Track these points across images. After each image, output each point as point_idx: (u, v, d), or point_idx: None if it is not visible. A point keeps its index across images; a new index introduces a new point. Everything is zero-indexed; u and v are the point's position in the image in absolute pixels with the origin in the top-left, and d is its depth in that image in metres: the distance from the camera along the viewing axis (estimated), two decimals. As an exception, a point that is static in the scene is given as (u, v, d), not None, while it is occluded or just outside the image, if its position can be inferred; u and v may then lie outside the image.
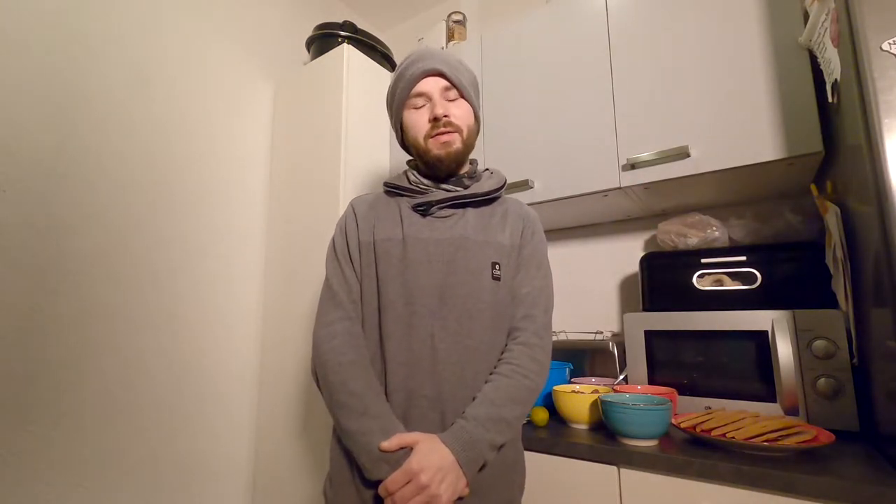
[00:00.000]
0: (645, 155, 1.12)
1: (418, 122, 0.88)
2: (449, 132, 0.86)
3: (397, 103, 0.92)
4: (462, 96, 0.89)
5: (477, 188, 0.89)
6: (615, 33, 1.23)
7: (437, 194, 0.88)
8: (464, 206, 0.89)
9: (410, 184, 0.91)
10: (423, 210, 0.87)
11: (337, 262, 0.90)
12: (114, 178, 1.29)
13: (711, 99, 1.07)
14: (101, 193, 1.26)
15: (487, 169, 0.97)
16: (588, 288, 1.53)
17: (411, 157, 0.96)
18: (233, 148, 1.61)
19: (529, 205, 1.33)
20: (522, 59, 1.39)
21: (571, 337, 1.42)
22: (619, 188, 1.18)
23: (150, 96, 1.39)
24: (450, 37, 1.74)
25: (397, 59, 1.92)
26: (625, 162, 1.16)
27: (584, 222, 1.54)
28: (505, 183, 0.93)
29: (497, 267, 0.85)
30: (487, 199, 0.91)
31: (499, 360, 0.82)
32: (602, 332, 1.35)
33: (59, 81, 1.20)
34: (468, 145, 0.90)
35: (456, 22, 1.74)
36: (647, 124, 1.15)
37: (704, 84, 1.09)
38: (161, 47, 1.43)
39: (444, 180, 0.90)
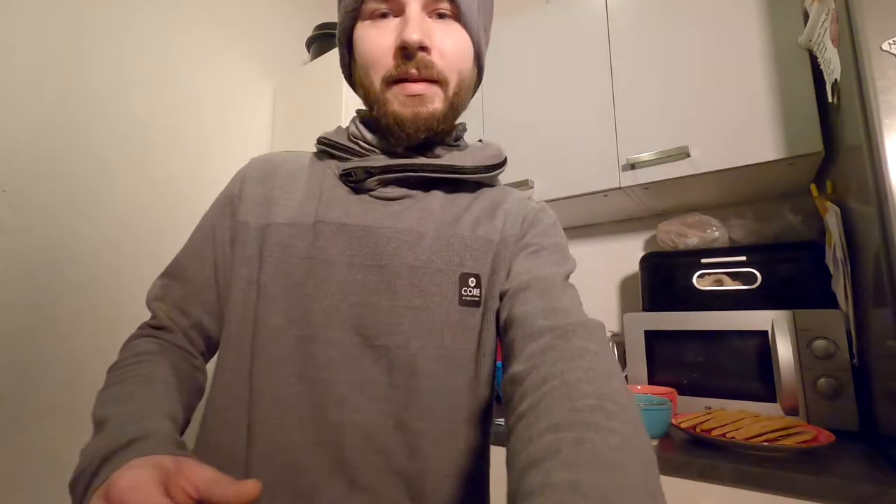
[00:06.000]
0: (645, 155, 1.12)
1: (376, 46, 0.51)
2: (424, 80, 0.50)
3: (346, 7, 0.54)
4: (459, 17, 0.52)
5: (450, 159, 0.55)
6: (615, 33, 1.23)
7: (381, 159, 0.54)
8: (427, 185, 0.55)
9: (350, 139, 0.57)
10: (355, 181, 0.53)
11: (192, 244, 0.58)
12: (114, 178, 1.29)
13: (711, 99, 1.07)
14: (101, 194, 1.26)
15: (480, 140, 0.62)
16: (588, 288, 1.53)
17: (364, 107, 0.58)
18: (233, 147, 1.61)
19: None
20: (522, 59, 1.39)
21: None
22: (619, 188, 1.18)
23: (150, 96, 1.39)
24: (450, 37, 1.73)
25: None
26: (625, 162, 1.16)
27: (583, 222, 1.54)
28: (504, 161, 0.59)
29: (473, 282, 0.51)
30: (470, 182, 0.57)
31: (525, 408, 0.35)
32: (602, 332, 1.35)
33: (58, 83, 1.20)
34: (456, 105, 0.53)
35: (456, 22, 1.74)
36: (647, 124, 1.15)
37: (704, 84, 1.09)
38: (161, 47, 1.43)
39: (409, 150, 0.55)
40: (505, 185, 0.62)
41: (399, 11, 0.50)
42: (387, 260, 0.50)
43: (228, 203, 0.58)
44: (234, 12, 1.66)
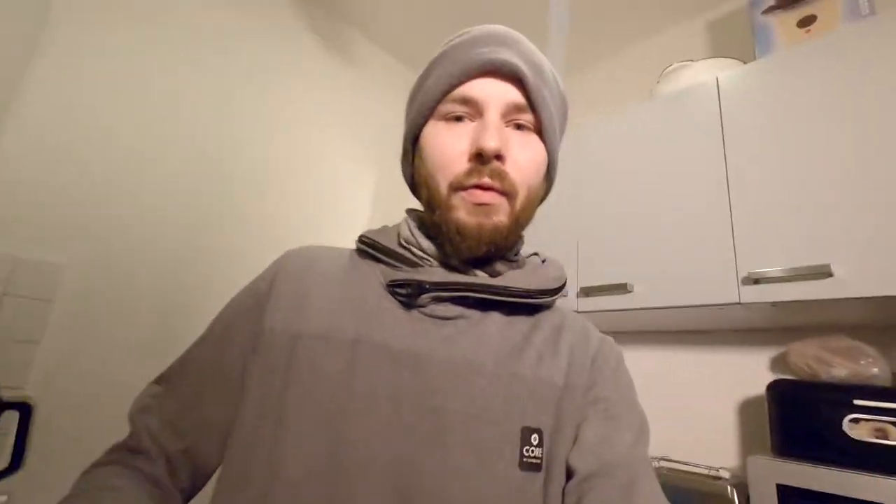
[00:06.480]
0: (772, 270, 0.96)
1: (449, 149, 0.47)
2: (495, 190, 0.46)
3: (420, 106, 0.51)
4: (539, 130, 0.50)
5: (511, 280, 0.50)
6: (731, 136, 1.12)
7: (438, 272, 0.49)
8: (485, 304, 0.49)
9: (402, 245, 0.52)
10: (407, 296, 0.47)
11: (202, 345, 0.51)
12: (243, 258, 1.44)
13: (858, 209, 0.91)
14: (226, 270, 1.40)
15: (536, 254, 0.58)
16: (697, 408, 1.31)
17: (416, 208, 0.56)
18: (337, 230, 1.74)
19: (626, 311, 1.20)
20: (623, 154, 1.33)
21: (674, 468, 1.20)
22: (739, 304, 1.02)
23: (285, 186, 1.57)
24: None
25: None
26: (745, 275, 1.01)
27: (693, 328, 1.36)
28: (564, 283, 0.54)
29: (535, 439, 0.43)
30: (527, 304, 0.51)
31: None
32: (717, 471, 1.12)
33: (200, 171, 1.40)
34: (520, 221, 0.49)
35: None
36: (773, 234, 1.00)
37: (847, 191, 0.93)
38: (290, 142, 1.63)
39: (466, 262, 0.50)
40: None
41: (476, 116, 0.48)
42: (439, 402, 0.42)
43: (255, 300, 0.50)
44: (352, 112, 1.87)
